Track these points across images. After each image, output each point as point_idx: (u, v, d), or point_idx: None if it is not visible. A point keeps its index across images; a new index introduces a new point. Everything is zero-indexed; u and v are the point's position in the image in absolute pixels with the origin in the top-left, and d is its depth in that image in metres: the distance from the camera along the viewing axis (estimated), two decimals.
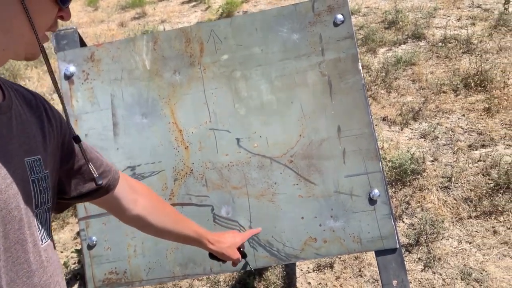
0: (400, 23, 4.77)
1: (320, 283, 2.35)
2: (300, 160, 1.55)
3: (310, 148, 1.55)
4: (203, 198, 1.57)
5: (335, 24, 1.57)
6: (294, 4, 1.60)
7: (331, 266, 2.43)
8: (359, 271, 2.38)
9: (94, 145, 1.57)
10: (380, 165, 1.53)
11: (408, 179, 2.83)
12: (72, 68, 1.61)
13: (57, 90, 0.77)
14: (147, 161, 1.59)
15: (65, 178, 0.91)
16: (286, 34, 1.59)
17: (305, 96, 1.57)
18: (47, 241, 0.75)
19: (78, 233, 2.86)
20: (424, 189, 2.77)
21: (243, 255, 1.38)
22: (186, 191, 1.58)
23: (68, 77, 1.62)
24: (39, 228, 0.73)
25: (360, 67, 1.56)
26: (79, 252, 2.75)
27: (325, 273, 2.40)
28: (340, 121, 1.55)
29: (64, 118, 0.89)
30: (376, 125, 3.42)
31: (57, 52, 1.62)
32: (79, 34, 1.64)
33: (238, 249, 1.35)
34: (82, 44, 1.68)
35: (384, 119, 3.49)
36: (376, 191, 1.52)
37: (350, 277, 2.35)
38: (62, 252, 2.85)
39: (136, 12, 6.81)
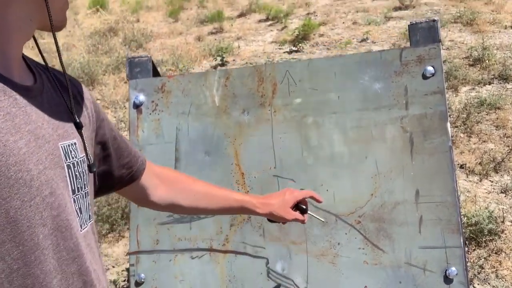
0: (487, 61, 4.45)
1: None
2: (369, 222, 1.41)
3: (382, 210, 1.40)
4: (258, 249, 1.46)
5: (424, 77, 1.42)
6: (380, 51, 1.47)
7: None
8: None
9: None
10: (462, 239, 1.35)
11: (484, 239, 2.57)
12: (141, 97, 1.58)
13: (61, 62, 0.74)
14: None
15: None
16: (367, 82, 1.46)
17: (382, 152, 1.43)
18: (86, 227, 0.75)
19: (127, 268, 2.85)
20: (501, 253, 2.49)
21: (302, 211, 1.20)
22: (242, 239, 1.48)
23: (137, 106, 1.58)
24: (77, 214, 0.72)
25: (449, 127, 1.39)
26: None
27: None
28: (420, 184, 1.39)
29: (97, 103, 0.90)
30: None
31: (130, 79, 1.59)
32: (152, 63, 1.61)
33: (296, 206, 1.19)
34: (155, 72, 1.64)
35: (461, 166, 3.22)
36: (453, 268, 1.33)
37: None
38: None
39: (214, 27, 6.91)
